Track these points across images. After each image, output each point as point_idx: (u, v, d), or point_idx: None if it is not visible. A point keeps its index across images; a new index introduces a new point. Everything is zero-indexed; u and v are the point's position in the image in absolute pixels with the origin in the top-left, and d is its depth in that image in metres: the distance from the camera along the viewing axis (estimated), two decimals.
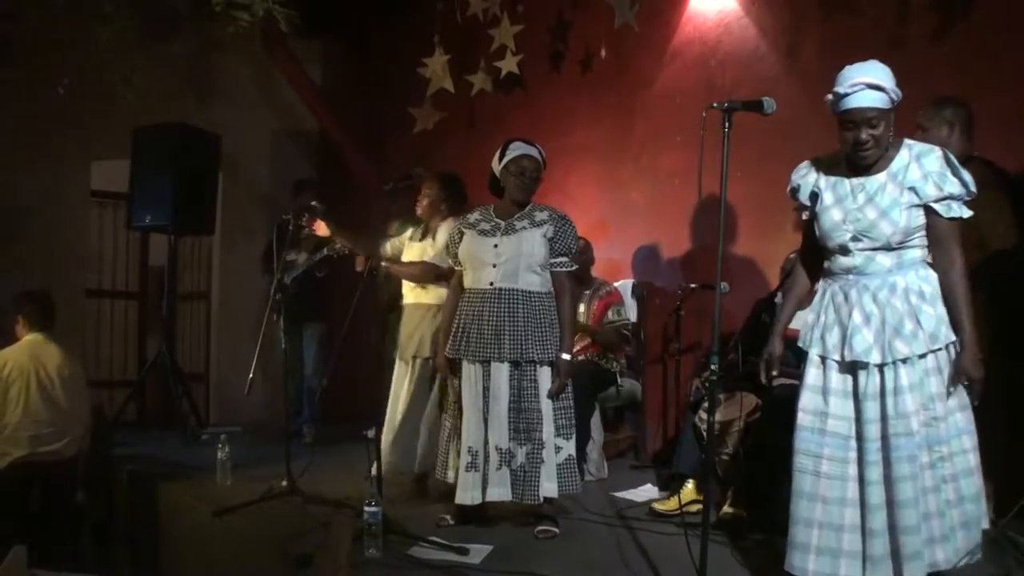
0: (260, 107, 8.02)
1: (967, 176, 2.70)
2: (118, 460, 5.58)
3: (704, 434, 3.89)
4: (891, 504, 2.70)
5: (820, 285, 3.02)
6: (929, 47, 4.56)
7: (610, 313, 5.28)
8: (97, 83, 6.83)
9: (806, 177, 3.00)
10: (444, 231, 4.59)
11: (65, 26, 6.67)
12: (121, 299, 7.83)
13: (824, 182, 2.95)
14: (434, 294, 4.69)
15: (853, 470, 2.80)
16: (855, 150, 2.79)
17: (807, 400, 2.90)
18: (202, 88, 7.56)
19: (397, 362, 4.82)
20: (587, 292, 5.40)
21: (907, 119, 2.92)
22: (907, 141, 2.80)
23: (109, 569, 5.26)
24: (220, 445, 4.94)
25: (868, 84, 2.71)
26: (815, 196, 2.95)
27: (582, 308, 5.35)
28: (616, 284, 5.65)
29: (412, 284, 4.80)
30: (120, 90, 6.41)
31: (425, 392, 4.62)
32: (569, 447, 3.94)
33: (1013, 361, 3.43)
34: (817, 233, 2.95)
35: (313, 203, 4.97)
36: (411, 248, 4.85)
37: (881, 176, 2.80)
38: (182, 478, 5.11)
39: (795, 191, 3.03)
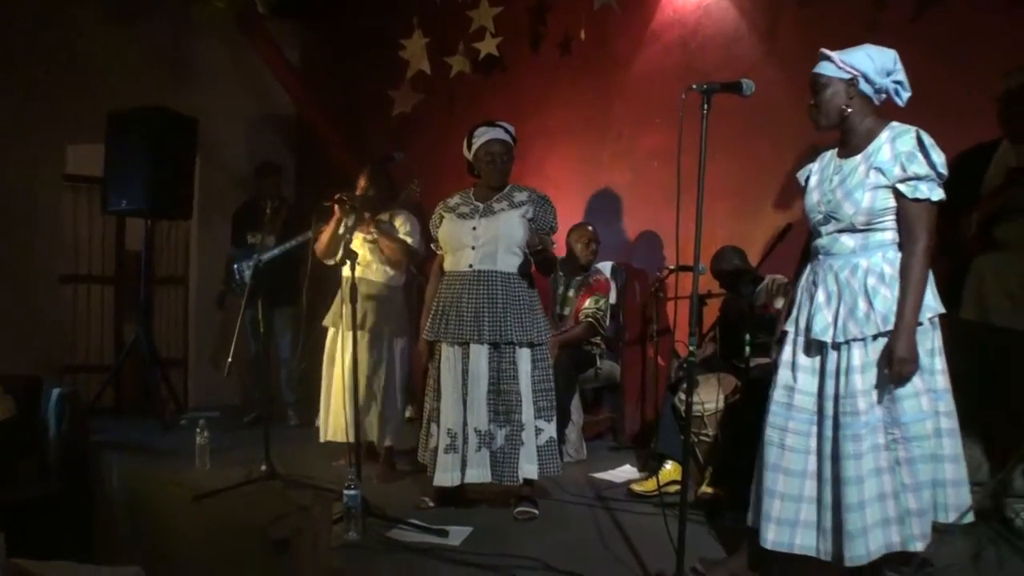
0: (237, 89, 7.92)
1: (938, 158, 2.69)
2: (96, 446, 5.54)
3: (684, 415, 3.91)
4: (836, 481, 2.74)
5: (806, 266, 3.04)
6: (906, 30, 4.58)
7: (588, 302, 5.30)
8: (72, 66, 6.75)
9: (810, 163, 3.05)
10: (402, 218, 4.77)
11: (39, 8, 6.58)
12: (97, 284, 7.73)
13: (816, 165, 3.02)
14: (380, 271, 4.78)
15: (815, 444, 2.84)
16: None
17: (779, 376, 2.96)
18: (178, 71, 7.46)
19: (340, 332, 4.76)
20: (578, 278, 5.42)
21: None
22: (892, 123, 2.81)
23: (88, 556, 5.23)
24: (199, 430, 4.92)
25: (820, 54, 2.87)
26: (808, 180, 3.03)
27: (571, 294, 5.38)
28: (595, 266, 5.66)
29: (363, 262, 4.75)
30: (94, 72, 6.34)
31: (372, 367, 4.71)
32: (550, 429, 3.95)
33: None
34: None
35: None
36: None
37: (857, 157, 2.84)
38: (161, 464, 5.09)
39: (801, 176, 3.10)
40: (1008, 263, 3.53)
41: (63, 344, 7.31)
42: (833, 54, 2.83)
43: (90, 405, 6.29)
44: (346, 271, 4.60)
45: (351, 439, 3.93)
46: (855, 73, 2.80)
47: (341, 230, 4.48)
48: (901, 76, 2.84)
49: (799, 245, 3.23)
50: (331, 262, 4.67)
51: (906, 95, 2.87)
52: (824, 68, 2.85)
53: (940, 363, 2.80)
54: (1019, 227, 3.52)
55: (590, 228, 5.49)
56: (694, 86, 2.87)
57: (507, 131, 4.04)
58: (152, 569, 3.22)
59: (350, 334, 4.63)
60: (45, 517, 5.03)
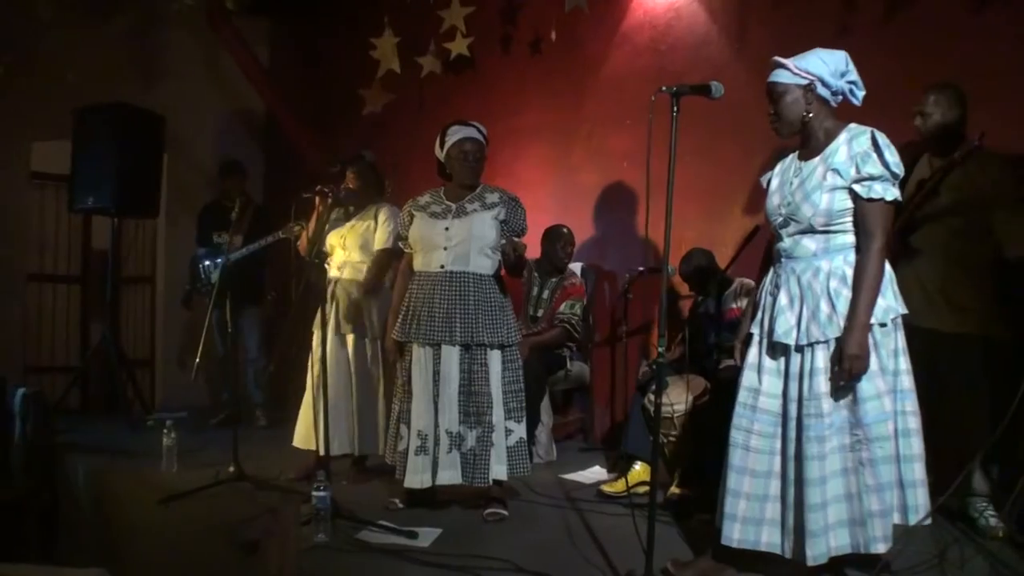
0: (206, 87, 7.87)
1: (892, 158, 2.71)
2: (61, 448, 5.48)
3: (652, 416, 3.93)
4: (800, 481, 2.76)
5: (770, 269, 3.06)
6: (875, 34, 4.63)
7: (564, 306, 5.30)
8: (36, 61, 6.66)
9: (774, 166, 3.07)
10: (386, 213, 4.65)
11: (3, 1, 6.49)
12: (63, 283, 7.67)
13: (778, 168, 3.03)
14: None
15: (779, 445, 2.86)
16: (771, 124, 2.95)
17: (744, 377, 2.98)
18: (146, 67, 7.40)
19: (330, 336, 4.55)
20: (553, 280, 5.41)
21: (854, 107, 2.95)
22: (850, 125, 2.83)
23: (53, 558, 5.17)
24: (166, 431, 4.87)
25: (775, 62, 2.88)
26: (770, 183, 3.04)
27: (546, 295, 5.37)
28: (570, 268, 5.66)
29: (350, 261, 4.70)
30: (60, 68, 6.27)
31: (366, 370, 4.65)
32: (520, 430, 3.95)
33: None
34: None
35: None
36: (348, 230, 4.75)
37: (816, 159, 2.86)
38: (127, 465, 5.04)
39: (764, 179, 3.11)
40: (924, 269, 3.66)
41: (28, 344, 7.23)
42: (787, 61, 2.85)
43: (55, 405, 6.23)
44: (332, 272, 4.65)
45: (321, 444, 3.90)
46: (811, 78, 2.82)
47: (326, 226, 4.39)
48: (854, 76, 2.88)
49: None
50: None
51: (861, 94, 2.90)
52: (780, 76, 2.87)
53: (904, 363, 2.82)
54: (928, 235, 3.67)
55: (565, 230, 5.48)
56: (663, 88, 2.88)
57: (480, 131, 4.05)
58: (118, 572, 3.19)
59: (341, 337, 4.63)
60: (9, 519, 4.95)
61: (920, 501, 2.77)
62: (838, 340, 2.72)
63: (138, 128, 6.47)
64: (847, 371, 2.68)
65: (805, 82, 2.83)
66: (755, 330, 2.99)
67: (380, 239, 4.65)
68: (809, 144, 2.91)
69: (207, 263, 6.16)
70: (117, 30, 7.26)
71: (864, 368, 2.69)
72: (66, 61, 6.81)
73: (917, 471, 2.78)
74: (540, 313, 5.37)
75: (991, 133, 3.49)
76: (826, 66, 2.82)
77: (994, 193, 3.60)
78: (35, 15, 6.31)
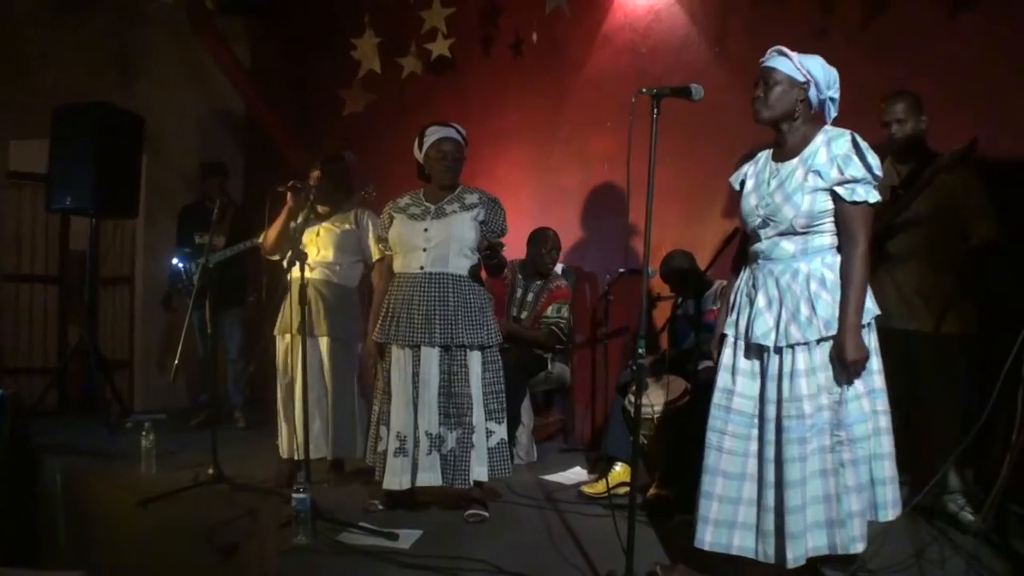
0: (186, 86, 7.83)
1: (873, 160, 2.73)
2: (39, 450, 5.44)
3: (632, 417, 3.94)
4: (779, 484, 2.77)
5: (743, 270, 3.07)
6: (853, 37, 4.66)
7: (550, 309, 5.30)
8: (14, 58, 6.60)
9: (743, 166, 3.08)
10: (369, 217, 4.60)
11: None
12: (40, 284, 7.60)
13: (752, 169, 3.03)
14: (345, 275, 4.64)
15: (754, 447, 2.87)
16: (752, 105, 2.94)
17: (718, 378, 2.98)
18: (126, 66, 7.35)
19: (305, 339, 4.20)
20: (539, 283, 5.41)
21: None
22: (826, 127, 2.85)
23: (31, 560, 5.13)
24: (144, 433, 4.84)
25: (777, 50, 2.88)
26: (743, 184, 3.04)
27: (530, 298, 5.37)
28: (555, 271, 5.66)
29: (322, 261, 4.58)
30: (38, 67, 6.21)
31: (340, 373, 4.56)
32: (500, 431, 3.95)
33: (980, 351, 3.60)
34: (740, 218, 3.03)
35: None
36: (323, 229, 4.63)
37: (794, 161, 2.87)
38: (105, 467, 5.00)
39: (735, 179, 3.12)
40: (901, 273, 3.74)
41: (4, 345, 7.16)
42: (792, 54, 2.85)
43: (32, 407, 6.17)
44: (295, 272, 4.23)
45: (301, 447, 3.87)
46: (810, 78, 2.84)
47: (293, 224, 4.27)
48: (837, 95, 2.91)
49: None
50: (276, 257, 4.49)
51: (835, 114, 2.94)
52: (780, 64, 2.86)
53: (876, 363, 2.84)
54: (905, 240, 3.74)
55: (551, 233, 5.47)
56: (644, 90, 2.89)
57: (458, 131, 4.05)
58: (97, 574, 3.18)
59: (314, 339, 4.48)
60: None
61: (889, 498, 2.80)
62: (833, 345, 2.73)
63: (117, 128, 6.41)
64: (855, 373, 2.72)
65: (803, 80, 2.84)
66: (729, 331, 2.99)
67: (375, 251, 4.51)
68: (785, 144, 2.92)
69: (181, 266, 6.14)
70: (96, 29, 7.20)
71: (864, 365, 2.73)
72: (45, 60, 6.75)
73: (887, 468, 2.80)
74: (523, 315, 5.37)
75: (966, 136, 3.52)
76: (824, 73, 2.85)
77: (966, 198, 3.66)
78: (10, 11, 6.24)
